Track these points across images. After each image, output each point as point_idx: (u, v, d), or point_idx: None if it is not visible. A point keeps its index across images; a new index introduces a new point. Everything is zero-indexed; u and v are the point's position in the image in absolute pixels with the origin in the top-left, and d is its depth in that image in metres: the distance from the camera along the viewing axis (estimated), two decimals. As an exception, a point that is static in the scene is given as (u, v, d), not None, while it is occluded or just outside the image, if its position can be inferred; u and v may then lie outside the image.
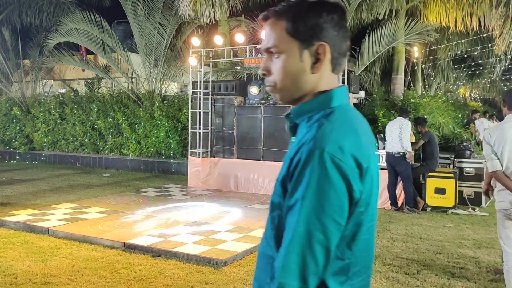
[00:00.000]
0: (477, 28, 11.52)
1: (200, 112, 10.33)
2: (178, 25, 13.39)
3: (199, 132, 10.30)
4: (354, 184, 1.15)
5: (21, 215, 6.91)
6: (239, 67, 13.11)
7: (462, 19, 11.04)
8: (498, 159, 3.65)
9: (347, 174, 1.13)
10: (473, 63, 20.12)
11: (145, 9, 13.07)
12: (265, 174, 9.44)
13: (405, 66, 13.62)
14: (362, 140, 1.20)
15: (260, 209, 7.70)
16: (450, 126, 9.87)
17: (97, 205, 7.80)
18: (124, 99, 13.57)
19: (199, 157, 10.31)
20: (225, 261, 4.86)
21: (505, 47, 10.66)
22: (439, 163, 8.28)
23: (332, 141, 1.14)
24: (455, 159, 8.69)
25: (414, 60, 17.31)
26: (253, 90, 9.83)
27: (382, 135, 8.82)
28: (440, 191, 7.83)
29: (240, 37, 9.99)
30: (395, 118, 8.42)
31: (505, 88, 23.76)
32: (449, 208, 7.78)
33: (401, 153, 7.72)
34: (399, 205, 7.98)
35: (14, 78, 16.67)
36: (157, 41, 13.31)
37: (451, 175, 7.86)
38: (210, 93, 10.40)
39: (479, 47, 17.24)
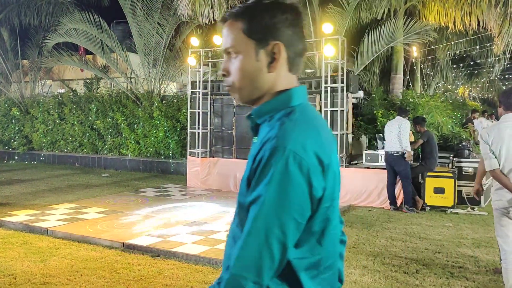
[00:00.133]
0: (476, 28, 11.54)
1: (199, 112, 10.33)
2: (177, 25, 13.39)
3: (198, 132, 10.30)
4: (316, 182, 1.16)
5: (20, 216, 6.91)
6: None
7: (461, 18, 11.04)
8: (496, 158, 3.70)
9: (309, 172, 1.14)
10: (472, 63, 20.14)
11: (144, 9, 13.06)
12: (264, 174, 9.42)
13: (404, 66, 13.62)
14: (323, 138, 1.22)
15: (259, 209, 7.69)
16: (449, 126, 9.89)
17: (96, 205, 7.79)
18: (123, 99, 13.57)
19: (198, 157, 10.31)
20: (224, 261, 4.86)
21: (504, 46, 10.67)
22: (438, 162, 8.29)
23: (295, 139, 1.16)
24: (454, 159, 8.70)
25: (413, 60, 17.32)
26: (252, 90, 9.82)
27: (381, 134, 8.83)
28: (439, 190, 7.84)
29: (239, 37, 9.98)
30: (394, 117, 8.43)
31: (504, 88, 23.79)
32: (448, 207, 7.79)
33: (400, 153, 7.73)
34: (398, 205, 7.98)
35: (13, 79, 16.66)
36: (156, 41, 13.31)
37: (450, 174, 7.87)
38: (209, 93, 10.40)
39: (478, 47, 17.26)
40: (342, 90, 8.60)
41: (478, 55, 18.54)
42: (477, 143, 10.06)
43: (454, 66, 20.02)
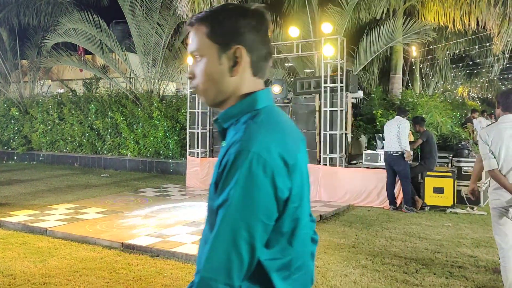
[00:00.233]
0: (475, 28, 11.54)
1: (198, 112, 10.33)
2: (176, 25, 13.39)
3: (198, 132, 10.30)
4: (281, 183, 1.18)
5: (20, 216, 6.90)
6: (237, 67, 13.13)
7: (460, 18, 11.05)
8: (494, 158, 3.75)
9: (273, 173, 1.16)
10: (471, 62, 20.15)
11: (143, 9, 13.06)
12: (263, 174, 9.43)
13: (403, 66, 13.62)
14: (287, 139, 1.24)
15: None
16: (448, 126, 9.89)
17: (95, 206, 7.79)
18: (122, 99, 13.56)
19: (197, 157, 10.31)
20: (224, 261, 4.85)
21: (503, 46, 10.67)
22: (437, 162, 8.29)
23: (259, 142, 1.17)
24: (453, 158, 8.71)
25: (412, 60, 17.33)
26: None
27: (380, 134, 8.83)
28: (438, 190, 7.84)
29: (238, 37, 9.98)
30: (393, 117, 8.43)
31: (503, 87, 23.80)
32: (448, 207, 7.79)
33: (399, 153, 7.73)
34: (397, 205, 7.98)
35: (12, 79, 16.65)
36: (155, 41, 13.30)
37: (449, 174, 7.87)
38: (208, 93, 10.39)
39: (477, 46, 17.27)
40: (341, 90, 8.60)
41: (477, 55, 18.55)
42: (476, 143, 10.06)
43: (454, 65, 20.03)
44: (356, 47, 11.52)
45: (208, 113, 10.40)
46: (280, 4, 13.35)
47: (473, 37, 16.06)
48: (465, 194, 7.98)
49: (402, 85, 14.23)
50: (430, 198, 7.92)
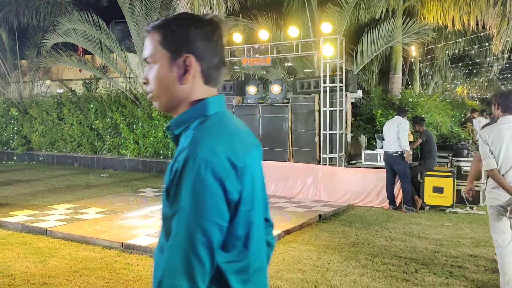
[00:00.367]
0: (475, 27, 11.54)
1: (198, 112, 10.31)
2: (175, 25, 13.37)
3: (197, 132, 10.28)
4: (230, 186, 1.20)
5: (19, 216, 6.90)
6: (236, 67, 13.13)
7: (460, 18, 11.05)
8: (494, 158, 3.83)
9: (221, 176, 1.18)
10: (470, 62, 20.16)
11: (142, 9, 13.05)
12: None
13: (402, 65, 13.62)
14: (235, 142, 1.27)
15: (258, 209, 7.69)
16: (448, 125, 9.89)
17: (95, 206, 7.79)
18: (122, 99, 13.56)
19: (197, 157, 10.29)
20: (224, 261, 4.85)
21: (502, 46, 10.67)
22: (437, 162, 8.29)
23: (206, 146, 1.20)
24: (453, 158, 8.71)
25: (412, 59, 17.33)
26: (251, 89, 9.83)
27: (380, 134, 8.83)
28: (438, 190, 7.84)
29: (237, 37, 9.99)
30: (393, 117, 8.43)
31: (503, 87, 23.81)
32: (447, 207, 7.79)
33: (399, 152, 7.73)
34: (397, 204, 7.98)
35: (12, 79, 16.63)
36: (155, 41, 13.27)
37: (449, 174, 7.87)
38: (208, 93, 10.39)
39: (476, 46, 17.27)
40: (341, 90, 8.60)
41: (477, 55, 18.56)
42: (475, 142, 10.07)
43: (453, 65, 20.03)
44: (355, 47, 11.52)
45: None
46: (279, 4, 13.35)
47: (472, 36, 16.06)
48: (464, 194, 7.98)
49: (402, 84, 14.23)
50: (430, 197, 7.92)
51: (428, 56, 18.23)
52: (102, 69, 15.34)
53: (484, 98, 28.99)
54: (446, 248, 5.63)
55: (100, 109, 13.82)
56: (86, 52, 15.78)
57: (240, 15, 13.63)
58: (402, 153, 7.71)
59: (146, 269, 4.71)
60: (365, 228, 6.57)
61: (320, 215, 7.19)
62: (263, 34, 9.55)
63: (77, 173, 12.58)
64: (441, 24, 11.79)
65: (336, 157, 8.64)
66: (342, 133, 8.67)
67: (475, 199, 7.94)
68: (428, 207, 7.95)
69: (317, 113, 8.94)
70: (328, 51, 8.51)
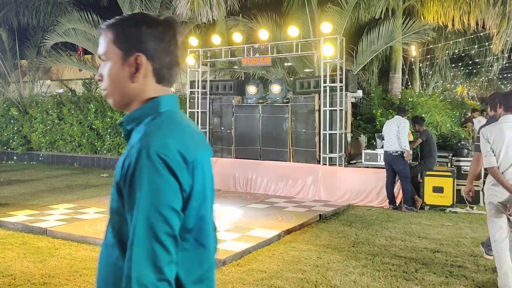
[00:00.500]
0: (475, 27, 11.54)
1: (198, 111, 10.33)
2: (175, 24, 13.37)
3: (197, 132, 10.28)
4: (182, 178, 1.23)
5: (19, 216, 6.90)
6: (237, 67, 13.12)
7: (460, 18, 11.05)
8: (494, 156, 3.94)
9: (173, 168, 1.21)
10: (470, 62, 20.14)
11: (142, 9, 13.06)
12: (263, 174, 9.44)
13: (402, 65, 13.62)
14: (186, 138, 1.29)
15: (258, 209, 7.71)
16: (448, 125, 9.89)
17: (95, 205, 7.79)
18: (122, 99, 13.54)
19: (197, 156, 10.29)
20: (224, 260, 4.86)
21: (502, 45, 10.67)
22: (437, 161, 8.30)
23: (157, 139, 1.22)
24: (453, 158, 8.72)
25: (412, 59, 17.32)
26: (251, 89, 9.83)
27: (380, 134, 8.83)
28: (438, 189, 7.84)
29: (237, 37, 9.99)
30: (393, 117, 8.44)
31: (503, 87, 23.80)
32: (447, 206, 7.80)
33: (399, 152, 7.73)
34: (397, 204, 7.99)
35: (12, 79, 16.64)
36: (154, 41, 13.28)
37: (449, 173, 7.87)
38: (208, 92, 10.41)
39: (476, 46, 17.26)
40: (341, 90, 8.60)
41: (477, 54, 18.54)
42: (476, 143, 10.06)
43: (453, 65, 20.01)
44: (355, 46, 11.52)
45: (208, 113, 10.40)
46: (279, 3, 13.35)
47: (472, 36, 16.06)
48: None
49: (402, 84, 14.23)
50: (430, 197, 7.92)
51: (428, 56, 18.22)
52: (102, 69, 15.31)
53: (484, 98, 28.98)
54: (446, 247, 5.63)
55: (100, 109, 13.82)
56: (86, 51, 15.81)
57: (240, 14, 13.64)
58: (402, 153, 7.71)
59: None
60: (365, 228, 6.57)
61: (320, 215, 7.19)
62: (263, 34, 9.55)
63: (77, 173, 12.58)
64: (441, 24, 11.79)
65: (336, 157, 8.64)
66: (342, 133, 8.67)
67: (475, 199, 7.93)
68: (428, 207, 7.95)
69: (317, 113, 8.94)
70: (328, 51, 8.51)
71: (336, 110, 8.62)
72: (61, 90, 17.24)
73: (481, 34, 15.16)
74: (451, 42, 16.37)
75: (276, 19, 12.13)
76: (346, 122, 8.83)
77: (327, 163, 8.75)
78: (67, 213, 7.13)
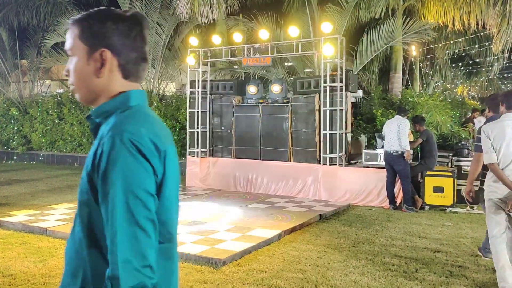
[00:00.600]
0: (475, 27, 11.54)
1: (198, 111, 10.33)
2: (176, 24, 13.38)
3: (198, 132, 10.29)
4: (155, 165, 1.25)
5: (19, 216, 6.90)
6: (237, 67, 13.12)
7: (460, 17, 11.05)
8: (495, 153, 4.00)
9: (146, 154, 1.23)
10: (471, 62, 20.13)
11: (142, 9, 13.05)
12: (263, 174, 9.45)
13: (403, 65, 13.61)
14: (156, 129, 1.30)
15: (259, 208, 7.70)
16: (448, 125, 9.89)
17: (95, 205, 7.77)
18: (122, 99, 13.54)
19: (197, 156, 10.31)
20: (224, 260, 4.86)
21: (503, 45, 10.67)
22: (437, 161, 8.29)
23: (130, 127, 1.24)
24: (453, 158, 8.71)
25: (412, 59, 17.31)
26: (251, 89, 9.83)
27: (380, 133, 8.83)
28: (438, 189, 7.84)
29: (238, 37, 9.99)
30: (393, 116, 8.44)
31: (503, 87, 23.79)
32: (448, 206, 7.80)
33: (399, 152, 7.73)
34: (397, 204, 7.99)
35: (12, 79, 16.63)
36: (155, 41, 13.29)
37: (449, 173, 7.87)
38: (208, 92, 10.40)
39: (476, 46, 17.25)
40: (341, 90, 8.60)
41: (477, 54, 18.53)
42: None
43: (453, 65, 20.00)
44: (355, 46, 11.52)
45: (208, 113, 10.40)
46: (280, 3, 13.35)
47: (472, 36, 16.05)
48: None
49: (402, 84, 14.22)
50: (430, 197, 7.92)
51: (429, 56, 18.21)
52: (102, 69, 15.31)
53: (484, 98, 28.96)
54: (446, 247, 5.63)
55: (100, 109, 13.81)
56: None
57: (240, 14, 13.64)
58: (403, 152, 7.71)
59: (147, 269, 4.70)
60: (366, 228, 6.57)
61: (320, 214, 7.19)
62: (263, 34, 9.55)
63: (78, 173, 12.58)
64: (441, 24, 11.78)
65: (336, 157, 8.64)
66: (342, 133, 8.66)
67: (475, 199, 7.94)
68: (428, 207, 7.95)
69: (317, 113, 8.93)
70: (328, 50, 8.50)
71: (336, 110, 8.62)
72: (61, 90, 17.23)
73: (482, 34, 15.16)
74: (452, 42, 16.37)
75: (277, 19, 12.13)
76: (346, 122, 8.82)
77: (327, 163, 8.75)
78: (67, 213, 7.13)
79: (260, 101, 9.86)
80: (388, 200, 8.00)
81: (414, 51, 15.93)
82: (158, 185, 1.26)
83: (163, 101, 12.99)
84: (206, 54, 10.54)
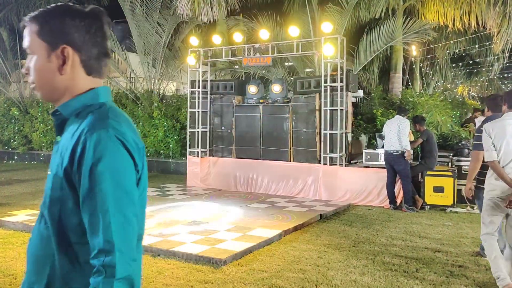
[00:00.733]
0: (475, 27, 11.54)
1: (198, 111, 10.33)
2: (176, 24, 13.38)
3: (198, 132, 10.30)
4: (137, 160, 1.29)
5: (20, 215, 6.91)
6: (237, 66, 13.13)
7: (460, 17, 11.05)
8: (495, 150, 4.05)
9: (131, 150, 1.26)
10: (471, 62, 20.13)
11: (143, 9, 13.05)
12: (264, 173, 9.45)
13: (403, 65, 13.62)
14: (132, 126, 1.35)
15: (259, 208, 7.71)
16: (449, 125, 9.89)
17: (96, 205, 7.78)
18: (122, 98, 13.56)
19: (198, 156, 10.31)
20: (225, 260, 4.87)
21: (503, 45, 10.68)
22: (438, 161, 8.30)
23: (113, 124, 1.27)
24: (454, 158, 8.71)
25: (412, 59, 17.32)
26: (252, 89, 9.83)
27: (380, 133, 8.83)
28: (438, 189, 7.85)
29: (238, 36, 9.99)
30: (393, 116, 8.44)
31: (503, 87, 23.78)
32: (448, 206, 7.80)
33: (399, 152, 7.74)
34: (397, 204, 7.99)
35: (12, 78, 16.63)
36: (155, 41, 13.30)
37: (450, 173, 7.88)
38: (208, 92, 10.41)
39: (477, 46, 17.25)
40: (341, 89, 8.60)
41: (477, 54, 18.52)
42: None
43: (454, 65, 20.00)
44: (356, 46, 11.52)
45: (208, 113, 10.40)
46: (280, 3, 13.36)
47: (473, 36, 16.05)
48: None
49: (402, 84, 14.23)
50: (431, 197, 7.93)
51: (429, 56, 18.21)
52: (102, 69, 15.31)
53: (484, 97, 28.93)
54: (447, 247, 5.63)
55: (100, 109, 13.81)
56: (86, 51, 15.77)
57: (241, 14, 13.65)
58: (403, 152, 7.71)
59: (147, 269, 4.71)
60: (366, 228, 6.58)
61: (320, 214, 7.19)
62: (264, 34, 9.55)
63: (78, 172, 12.57)
64: (442, 24, 11.79)
65: (336, 157, 8.64)
66: (342, 133, 8.67)
67: (471, 199, 7.95)
68: (428, 207, 7.96)
69: (317, 113, 8.94)
70: (329, 50, 8.51)
71: (336, 110, 8.62)
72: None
73: (482, 33, 15.16)
74: (452, 42, 16.37)
75: (277, 19, 12.14)
76: (346, 122, 8.82)
77: (328, 162, 8.76)
78: (68, 213, 7.13)
79: (261, 101, 9.87)
80: (388, 200, 8.01)
81: (414, 51, 15.94)
82: (137, 178, 1.29)
83: (164, 101, 12.99)
84: (207, 54, 10.54)
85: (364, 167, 8.65)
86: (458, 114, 11.91)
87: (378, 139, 8.92)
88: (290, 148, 9.40)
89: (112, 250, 1.17)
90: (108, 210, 1.18)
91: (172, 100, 12.99)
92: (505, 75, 23.57)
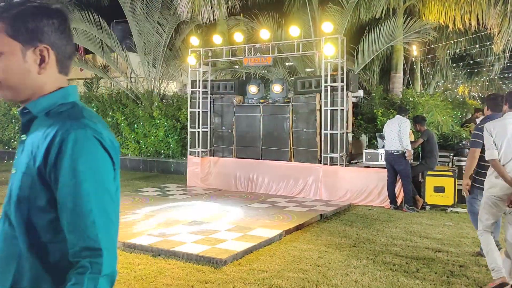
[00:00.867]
0: (476, 27, 11.54)
1: (199, 111, 10.33)
2: (176, 24, 13.39)
3: (198, 132, 10.30)
4: (114, 159, 1.30)
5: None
6: (238, 66, 13.13)
7: (461, 17, 11.05)
8: (496, 149, 4.10)
9: (108, 149, 1.27)
10: (471, 61, 20.12)
11: (143, 9, 13.06)
12: (264, 173, 9.45)
13: (403, 65, 13.62)
14: (106, 125, 1.35)
15: (259, 208, 7.71)
16: (449, 125, 9.88)
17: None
18: (123, 98, 13.56)
19: (198, 156, 10.31)
20: (225, 260, 4.87)
21: (504, 45, 10.67)
22: (438, 161, 8.29)
23: (89, 124, 1.27)
24: (454, 158, 8.71)
25: (413, 59, 17.31)
26: (252, 89, 9.83)
27: (381, 133, 8.83)
28: (439, 189, 7.84)
29: (238, 36, 9.99)
30: (394, 116, 8.43)
31: (504, 86, 23.78)
32: (448, 206, 7.80)
33: (400, 152, 7.73)
34: (398, 204, 7.99)
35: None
36: (156, 41, 13.30)
37: (450, 173, 7.87)
38: (209, 92, 10.41)
39: (477, 46, 17.24)
40: (342, 89, 8.60)
41: (478, 54, 18.52)
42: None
43: (454, 65, 19.99)
44: (356, 46, 11.52)
45: (209, 113, 10.41)
46: (280, 3, 13.36)
47: (473, 36, 16.04)
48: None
49: (403, 84, 14.22)
50: (431, 197, 7.92)
51: (429, 56, 18.21)
52: (103, 69, 15.34)
53: (484, 97, 28.88)
54: (447, 247, 5.63)
55: (101, 109, 13.83)
56: (87, 51, 15.78)
57: (241, 14, 13.65)
58: (404, 152, 7.71)
59: (148, 269, 4.71)
60: (366, 228, 6.58)
61: (321, 214, 7.19)
62: (264, 34, 9.55)
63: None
64: (442, 24, 11.78)
65: (337, 157, 8.64)
66: (343, 133, 8.67)
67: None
68: (429, 207, 7.95)
69: (318, 113, 8.93)
70: (329, 50, 8.50)
71: (337, 109, 8.62)
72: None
73: (483, 33, 15.15)
74: (452, 42, 16.36)
75: (277, 18, 12.14)
76: (347, 121, 8.82)
77: (328, 162, 8.76)
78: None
79: (261, 101, 9.87)
80: (389, 200, 8.01)
81: (415, 50, 15.93)
82: (114, 177, 1.31)
83: (164, 101, 12.99)
84: (207, 54, 10.54)
85: (365, 167, 8.64)
86: (458, 114, 11.91)
87: (378, 139, 8.92)
88: (291, 148, 9.40)
89: (98, 248, 1.19)
90: (92, 210, 1.19)
91: (172, 100, 12.99)
92: (506, 75, 23.56)
